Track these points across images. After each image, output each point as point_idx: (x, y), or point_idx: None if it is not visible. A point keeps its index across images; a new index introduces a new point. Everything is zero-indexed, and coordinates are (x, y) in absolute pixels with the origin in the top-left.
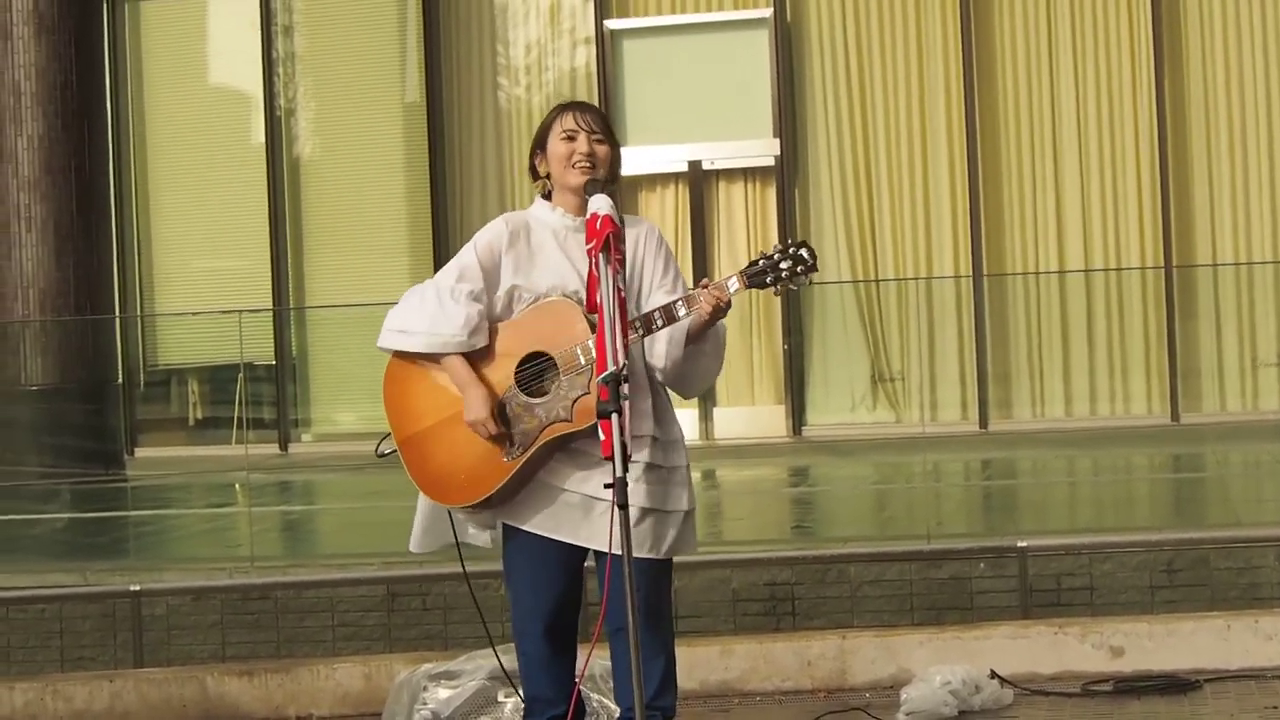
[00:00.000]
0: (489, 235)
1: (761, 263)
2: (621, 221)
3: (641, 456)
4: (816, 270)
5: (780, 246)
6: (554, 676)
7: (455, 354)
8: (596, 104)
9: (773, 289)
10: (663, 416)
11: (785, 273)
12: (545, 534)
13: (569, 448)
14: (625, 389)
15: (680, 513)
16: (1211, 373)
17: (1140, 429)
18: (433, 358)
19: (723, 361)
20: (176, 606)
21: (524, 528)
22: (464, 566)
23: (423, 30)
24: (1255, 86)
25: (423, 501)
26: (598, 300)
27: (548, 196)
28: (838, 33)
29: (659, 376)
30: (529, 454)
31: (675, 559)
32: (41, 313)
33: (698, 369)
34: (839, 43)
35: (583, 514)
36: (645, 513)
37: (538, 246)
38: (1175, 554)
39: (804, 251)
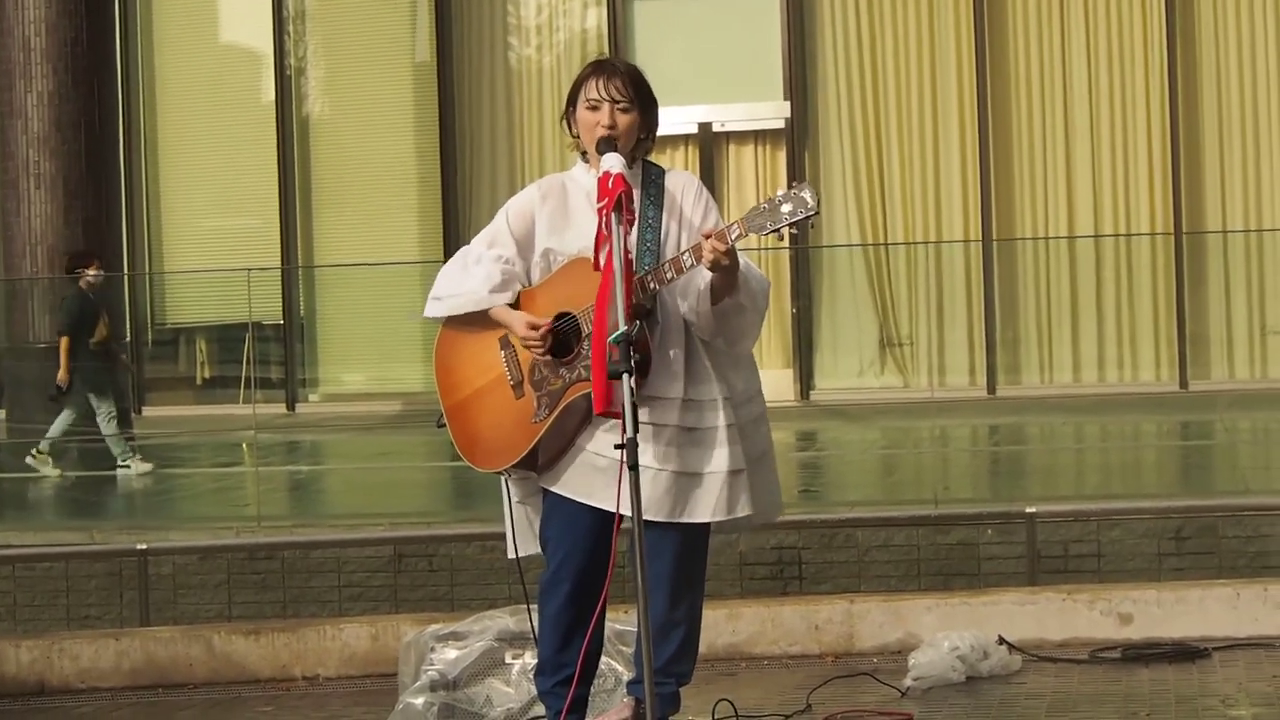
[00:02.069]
0: (520, 201)
1: (763, 206)
2: (650, 179)
3: (668, 419)
4: (818, 213)
5: (783, 190)
6: (571, 639)
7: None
8: None
9: (775, 233)
10: (699, 376)
11: (787, 216)
12: (574, 497)
13: None
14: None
15: (718, 474)
16: (1221, 340)
17: (1149, 396)
18: (469, 325)
19: (762, 314)
20: (183, 565)
21: (554, 489)
22: (513, 532)
23: None
24: (1267, 52)
25: (509, 508)
26: (606, 258)
27: (584, 153)
28: None
29: (695, 332)
30: (555, 414)
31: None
32: (50, 270)
33: (731, 322)
34: (850, 5)
35: (610, 478)
36: (675, 476)
37: (572, 208)
38: (1184, 521)
39: (806, 194)
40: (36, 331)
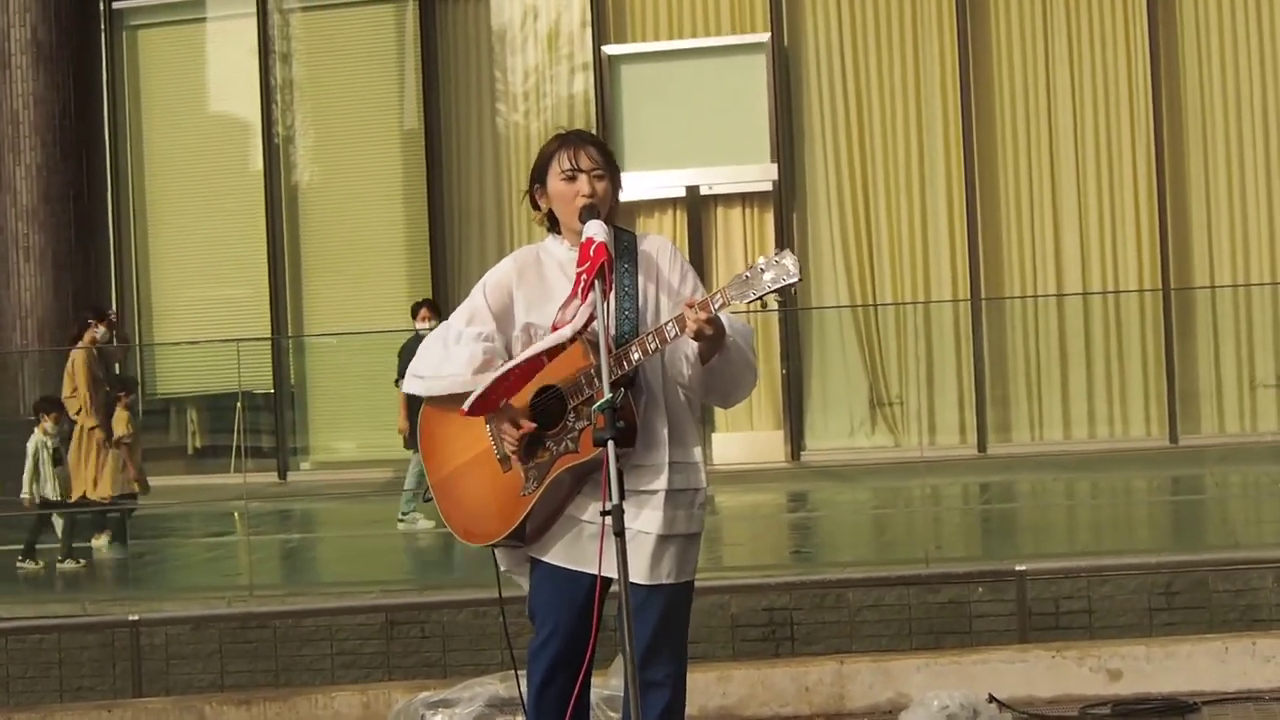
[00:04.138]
0: (497, 275)
1: (746, 275)
2: (623, 247)
3: (657, 484)
4: (801, 280)
5: (765, 258)
6: (558, 704)
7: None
8: (595, 129)
9: (759, 301)
10: (683, 438)
11: (769, 284)
12: (563, 565)
13: (591, 479)
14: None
15: (699, 535)
16: (1210, 394)
17: (1139, 451)
18: (454, 400)
19: (753, 365)
20: (175, 636)
21: (546, 559)
22: (501, 597)
23: (421, 57)
24: (1252, 110)
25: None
26: (570, 317)
27: (549, 227)
28: (835, 57)
29: (691, 394)
30: (544, 487)
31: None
32: (40, 342)
33: (720, 380)
34: (836, 67)
35: (605, 544)
36: (668, 540)
37: (549, 281)
38: (1174, 576)
39: (788, 261)
40: (27, 404)
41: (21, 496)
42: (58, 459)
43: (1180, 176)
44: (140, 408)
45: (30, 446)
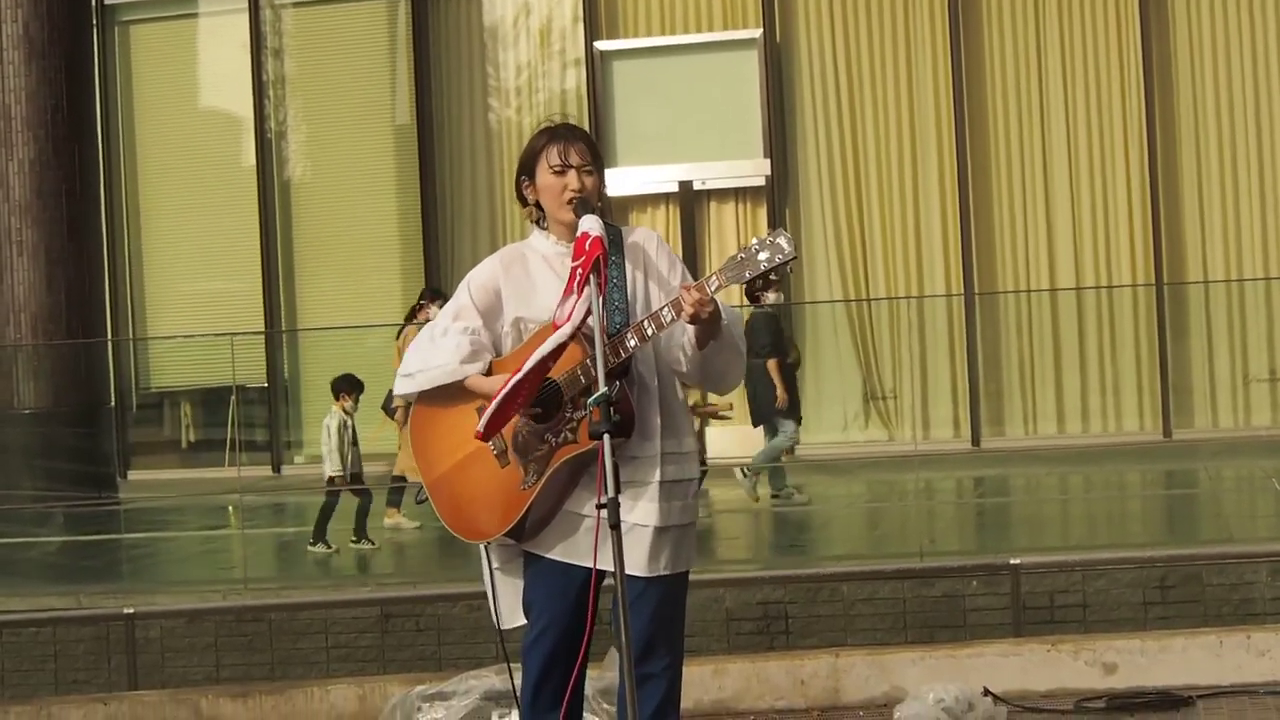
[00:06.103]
0: (483, 274)
1: (740, 256)
2: (609, 240)
3: (651, 476)
4: (796, 258)
5: (759, 238)
6: (553, 699)
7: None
8: (587, 125)
9: (755, 281)
10: (677, 429)
11: (765, 264)
12: (559, 558)
13: (588, 472)
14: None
15: (693, 524)
16: (1203, 389)
17: (1132, 446)
18: (444, 399)
19: (743, 354)
20: (171, 629)
21: (539, 552)
22: (493, 593)
23: (413, 52)
24: (1244, 104)
25: (494, 576)
26: (569, 313)
27: (538, 222)
28: (827, 52)
29: (684, 379)
30: (544, 480)
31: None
32: (34, 336)
33: (714, 366)
34: (829, 62)
35: (601, 538)
36: (665, 531)
37: (536, 276)
38: (1168, 570)
39: (782, 240)
40: (21, 398)
41: (334, 474)
42: (354, 438)
43: (1173, 171)
44: (134, 401)
45: (331, 424)
